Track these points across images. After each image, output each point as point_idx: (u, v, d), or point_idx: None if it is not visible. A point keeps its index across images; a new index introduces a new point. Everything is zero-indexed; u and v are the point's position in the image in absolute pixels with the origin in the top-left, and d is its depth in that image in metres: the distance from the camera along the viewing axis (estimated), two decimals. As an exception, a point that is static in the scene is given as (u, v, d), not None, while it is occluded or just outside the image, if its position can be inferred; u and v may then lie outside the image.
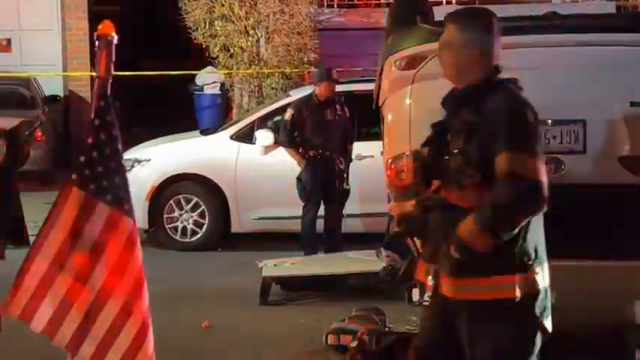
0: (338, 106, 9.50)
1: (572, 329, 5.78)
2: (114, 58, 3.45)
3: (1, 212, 7.71)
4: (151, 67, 14.68)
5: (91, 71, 15.29)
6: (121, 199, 3.45)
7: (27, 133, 8.63)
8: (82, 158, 3.42)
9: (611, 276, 5.61)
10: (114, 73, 3.46)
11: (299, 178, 9.34)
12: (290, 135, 9.44)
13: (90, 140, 3.42)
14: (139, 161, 10.34)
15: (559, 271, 5.58)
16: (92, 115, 3.43)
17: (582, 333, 5.81)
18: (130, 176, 10.31)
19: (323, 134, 9.31)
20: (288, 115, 9.51)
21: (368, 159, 9.66)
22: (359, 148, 9.68)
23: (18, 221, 8.02)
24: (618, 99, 5.49)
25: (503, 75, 3.83)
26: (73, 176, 3.42)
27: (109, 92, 3.43)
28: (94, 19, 15.89)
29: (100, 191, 3.40)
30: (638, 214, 5.59)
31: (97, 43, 3.45)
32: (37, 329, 3.43)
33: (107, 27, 3.44)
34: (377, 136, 6.53)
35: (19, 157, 8.10)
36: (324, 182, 9.29)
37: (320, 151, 9.29)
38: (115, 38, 3.41)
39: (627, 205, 5.58)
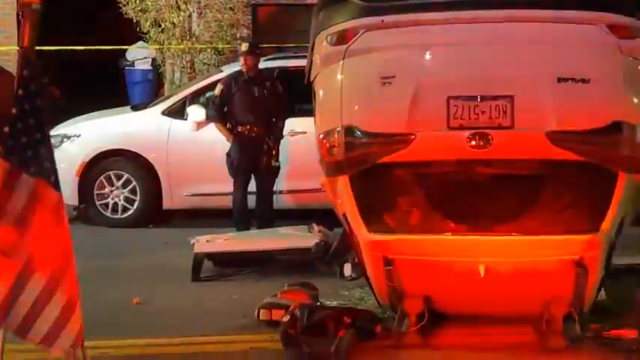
0: (268, 83, 9.46)
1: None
2: (38, 28, 3.39)
3: None
4: (80, 41, 14.47)
5: (18, 45, 14.99)
6: (46, 170, 3.40)
7: None
8: (5, 129, 3.37)
9: None
10: (41, 47, 3.41)
11: (228, 154, 9.31)
12: (219, 110, 9.40)
13: (14, 111, 3.37)
14: (69, 137, 10.20)
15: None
16: (15, 86, 3.38)
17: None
18: (60, 152, 10.14)
19: (251, 110, 9.27)
20: (217, 90, 9.47)
21: (300, 135, 9.66)
22: (292, 124, 9.66)
23: None
24: (546, 75, 5.56)
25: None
26: (-3, 148, 3.37)
27: (33, 62, 3.38)
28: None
29: (24, 162, 3.35)
30: (565, 189, 5.68)
31: (20, 12, 3.38)
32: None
33: (32, -5, 3.38)
34: (310, 112, 6.51)
35: None
36: (252, 158, 9.26)
37: (248, 127, 9.25)
38: (40, 7, 3.35)
39: (554, 179, 5.66)
